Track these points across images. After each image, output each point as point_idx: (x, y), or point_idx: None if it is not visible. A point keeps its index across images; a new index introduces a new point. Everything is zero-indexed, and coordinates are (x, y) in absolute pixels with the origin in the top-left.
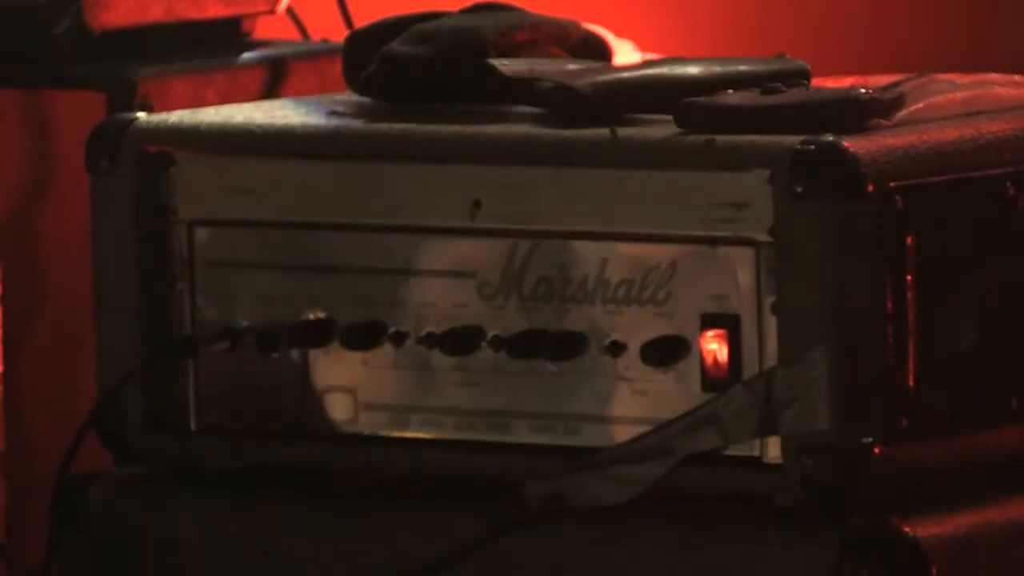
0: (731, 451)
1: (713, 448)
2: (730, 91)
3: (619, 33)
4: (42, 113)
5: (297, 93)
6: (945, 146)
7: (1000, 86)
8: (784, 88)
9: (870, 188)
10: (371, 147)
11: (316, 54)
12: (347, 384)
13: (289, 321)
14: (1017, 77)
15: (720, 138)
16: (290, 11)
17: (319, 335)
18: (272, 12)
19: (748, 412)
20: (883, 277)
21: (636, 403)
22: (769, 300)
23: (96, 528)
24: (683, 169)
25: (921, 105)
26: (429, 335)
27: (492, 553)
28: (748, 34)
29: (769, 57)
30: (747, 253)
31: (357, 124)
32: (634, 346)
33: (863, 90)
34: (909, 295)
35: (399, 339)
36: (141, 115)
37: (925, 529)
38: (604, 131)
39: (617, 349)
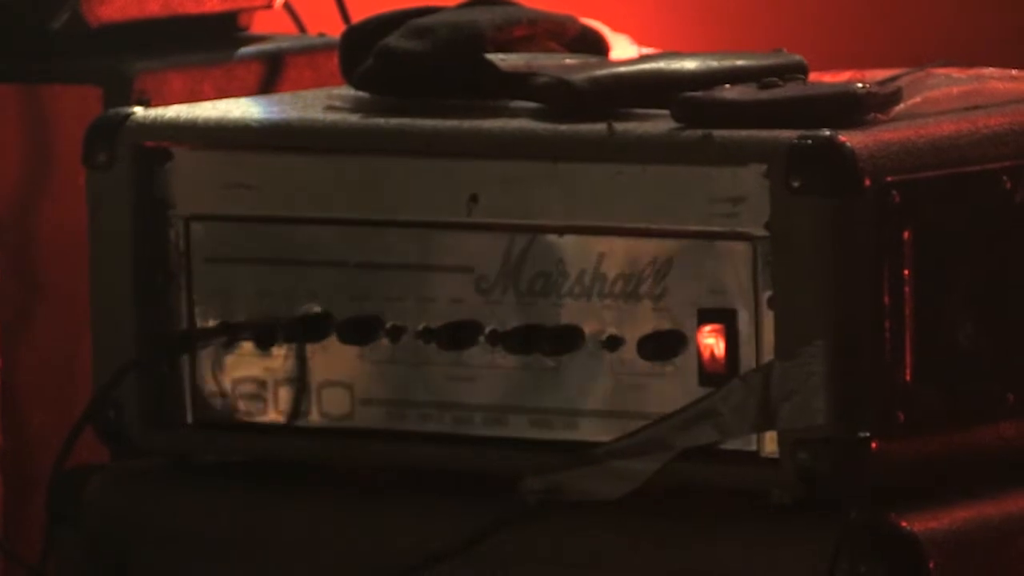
0: (728, 445)
1: (710, 442)
2: (727, 86)
3: (616, 28)
4: (39, 108)
5: (294, 88)
6: (942, 140)
7: (997, 80)
8: (781, 83)
9: (867, 183)
10: (368, 142)
11: (313, 49)
12: (344, 379)
13: (286, 316)
14: (1014, 71)
15: (717, 133)
16: (287, 6)
17: (316, 330)
18: (269, 7)
19: (745, 407)
20: (880, 272)
21: (633, 398)
22: (766, 295)
23: (93, 522)
24: (680, 164)
25: (918, 99)
26: (426, 329)
27: (489, 547)
28: (745, 29)
29: (766, 52)
30: (744, 248)
31: (354, 119)
32: (631, 341)
33: (860, 85)
34: (906, 290)
35: (396, 334)
36: (138, 110)
37: (922, 523)
38: (601, 126)
39: (614, 344)
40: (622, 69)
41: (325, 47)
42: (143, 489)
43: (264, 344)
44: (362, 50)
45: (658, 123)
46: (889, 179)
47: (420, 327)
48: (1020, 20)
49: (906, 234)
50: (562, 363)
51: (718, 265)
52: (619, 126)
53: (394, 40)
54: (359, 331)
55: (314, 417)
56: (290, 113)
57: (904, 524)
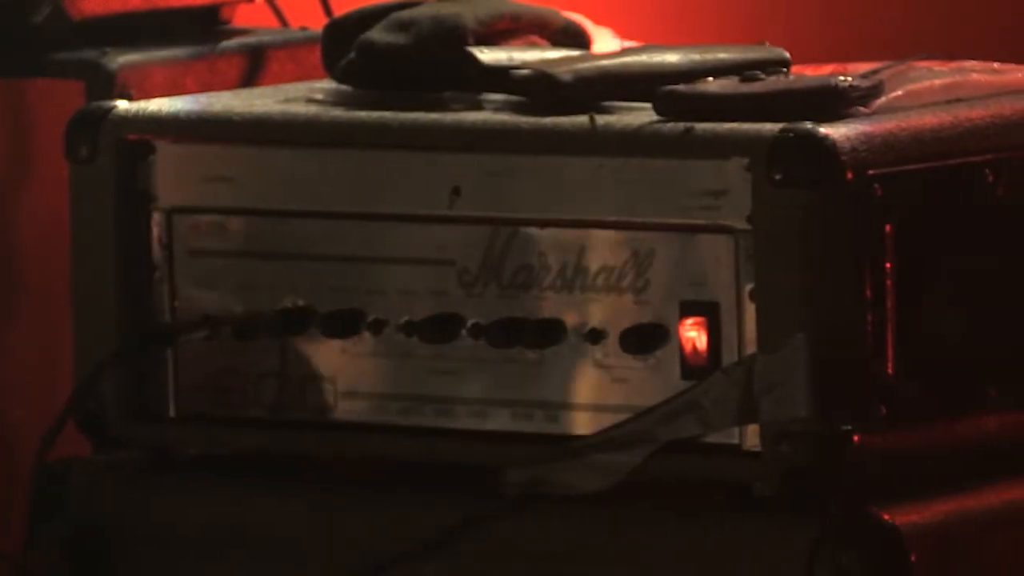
0: (710, 439)
1: (692, 436)
2: (709, 79)
3: (598, 21)
4: (21, 102)
5: (276, 81)
6: (924, 133)
7: (979, 74)
8: (763, 76)
9: (849, 176)
10: (350, 135)
11: (295, 42)
12: (326, 372)
13: (268, 309)
14: (996, 64)
15: (699, 126)
16: (269, 0)
17: (298, 323)
18: (251, 1)
19: (727, 399)
20: (862, 265)
21: (615, 391)
22: (748, 287)
23: (75, 515)
24: (662, 157)
25: (900, 92)
26: (408, 323)
27: (471, 540)
28: (728, 22)
29: (749, 45)
30: (726, 241)
31: (336, 112)
32: (613, 334)
33: (842, 78)
34: (888, 283)
35: (378, 327)
36: (120, 103)
37: (904, 517)
38: (583, 119)
39: (596, 337)
40: (604, 62)
41: (307, 41)
42: (125, 482)
43: (246, 337)
44: (344, 44)
45: (640, 116)
46: (871, 172)
47: (402, 320)
48: (1002, 13)
49: (888, 227)
50: (544, 356)
51: (700, 258)
52: (601, 119)
53: (376, 34)
54: (341, 324)
55: (296, 410)
56: (272, 107)
57: (886, 517)
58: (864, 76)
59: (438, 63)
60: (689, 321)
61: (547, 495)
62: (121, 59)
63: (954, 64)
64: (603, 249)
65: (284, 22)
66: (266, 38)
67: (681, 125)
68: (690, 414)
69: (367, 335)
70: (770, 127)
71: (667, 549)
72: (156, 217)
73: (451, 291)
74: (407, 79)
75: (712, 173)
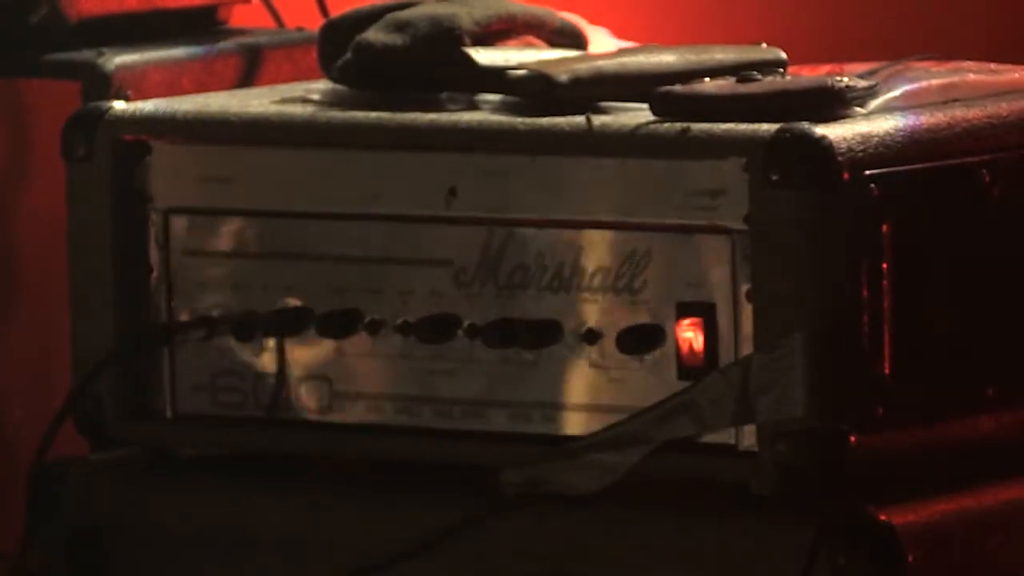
0: (707, 439)
1: (689, 436)
2: (706, 79)
3: (595, 21)
4: (18, 102)
5: (273, 82)
6: (921, 134)
7: (976, 74)
8: (760, 77)
9: (846, 176)
10: (346, 135)
11: (291, 43)
12: (323, 372)
13: (265, 309)
14: (993, 65)
15: (696, 126)
16: (265, 0)
17: (295, 323)
18: (247, 1)
19: (724, 400)
20: (859, 265)
21: (612, 391)
22: (745, 288)
23: (73, 514)
24: (659, 157)
25: (897, 93)
26: (405, 323)
27: (468, 540)
28: (724, 22)
29: (746, 45)
30: (723, 241)
31: (332, 112)
32: (610, 334)
33: (839, 78)
34: (885, 283)
35: (375, 327)
36: (117, 104)
37: (901, 516)
38: (580, 119)
39: (593, 337)
40: (601, 63)
41: (303, 41)
42: (123, 482)
43: (243, 337)
44: (340, 44)
45: (637, 117)
46: (868, 172)
47: (399, 321)
48: (999, 14)
49: (885, 227)
50: (541, 357)
51: (697, 258)
52: (597, 120)
53: (372, 34)
54: (338, 325)
55: (293, 410)
56: (269, 107)
57: (883, 517)
58: (861, 77)
59: (434, 64)
60: (686, 321)
61: (544, 495)
62: (118, 59)
63: (951, 65)
64: (600, 250)
65: (280, 23)
66: (263, 39)
67: (678, 125)
68: (687, 414)
69: (364, 335)
70: (767, 127)
71: (664, 549)
72: (153, 217)
73: (448, 291)
74: (403, 80)
75: (709, 173)
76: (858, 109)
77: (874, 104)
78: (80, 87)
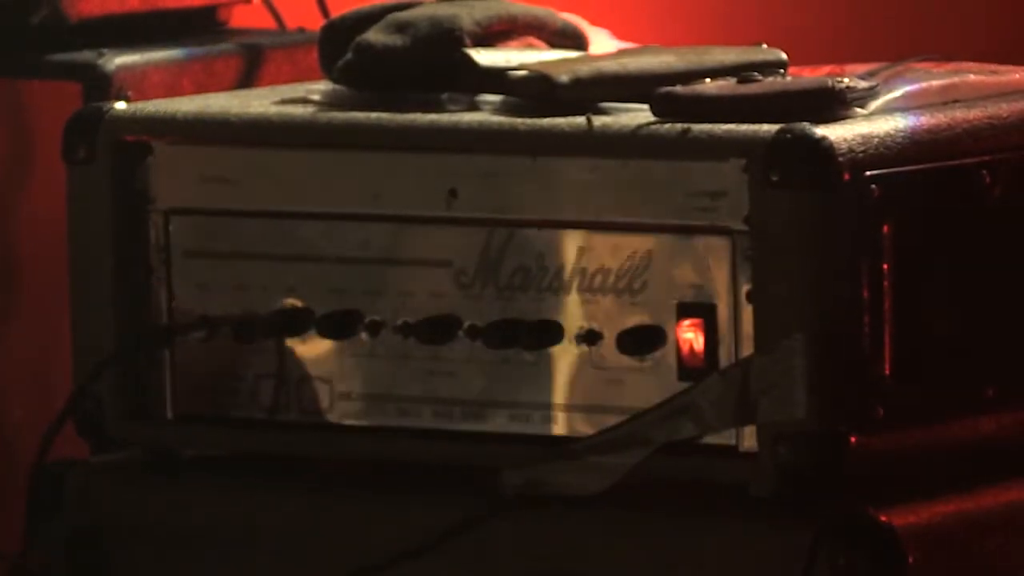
0: (707, 440)
1: (689, 437)
2: (707, 80)
3: (595, 22)
4: (18, 103)
5: (273, 82)
6: (921, 135)
7: (977, 75)
8: (761, 77)
9: (846, 177)
10: (347, 136)
11: (292, 43)
12: (323, 373)
13: (265, 310)
14: (993, 65)
15: (696, 127)
16: (266, 1)
17: (296, 324)
18: (248, 1)
19: (724, 401)
20: (859, 266)
21: (612, 392)
22: (745, 289)
23: (73, 515)
24: (659, 158)
25: (897, 94)
26: (405, 324)
27: (469, 541)
28: (725, 23)
29: (746, 46)
30: (723, 242)
31: (333, 113)
32: (610, 335)
33: (840, 79)
34: (885, 284)
35: (375, 328)
36: (118, 104)
37: (901, 518)
38: (580, 120)
39: (593, 338)
40: (601, 64)
41: (304, 42)
42: (123, 483)
43: (244, 338)
44: (341, 45)
45: (637, 117)
46: (868, 173)
47: (399, 322)
48: (1000, 15)
49: (885, 228)
50: (541, 358)
51: (697, 259)
52: (598, 120)
53: (373, 35)
54: (338, 325)
55: (293, 411)
56: (269, 108)
57: (883, 518)
58: (861, 77)
59: (435, 64)
60: (686, 322)
61: (545, 496)
62: (118, 60)
63: (951, 66)
64: (600, 250)
65: (281, 23)
66: (263, 39)
67: (678, 126)
68: (687, 415)
69: (364, 336)
70: (767, 128)
71: (664, 550)
72: (153, 218)
73: (448, 292)
74: (404, 80)
75: (709, 174)
76: (859, 110)
77: (875, 105)
78: (81, 88)
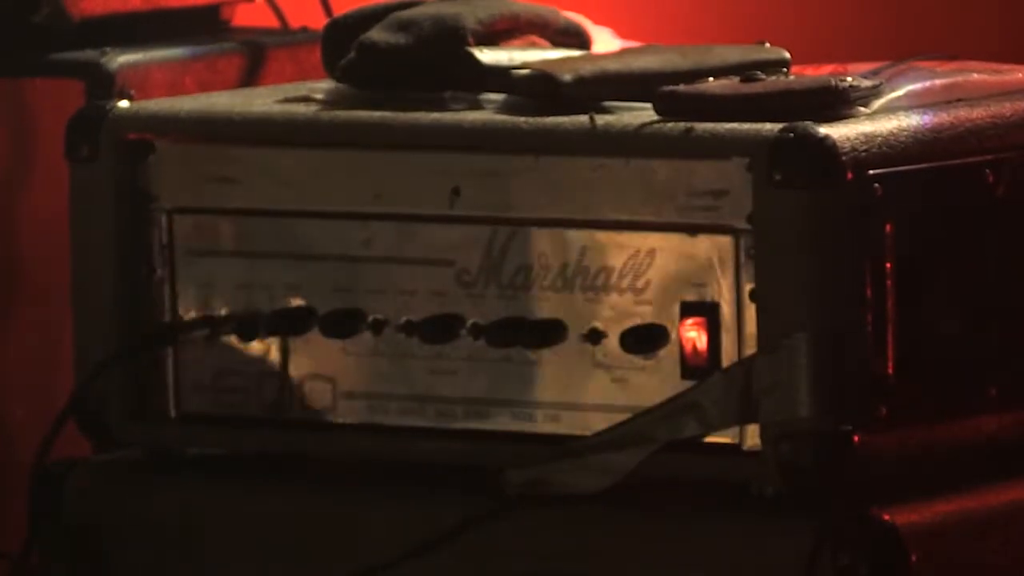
0: (710, 438)
1: (692, 436)
2: (710, 79)
3: (598, 21)
4: (21, 101)
5: (276, 81)
6: (924, 134)
7: (980, 74)
8: (764, 76)
9: (849, 176)
10: (350, 135)
11: (295, 42)
12: (326, 372)
13: (268, 309)
14: (996, 65)
15: (699, 126)
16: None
17: (298, 323)
18: (251, 0)
19: (727, 400)
20: (862, 265)
21: (615, 391)
22: (748, 288)
23: (75, 515)
24: (662, 157)
25: (900, 93)
26: (408, 323)
27: (471, 540)
28: (728, 22)
29: (749, 45)
30: (726, 241)
31: (336, 112)
32: (613, 334)
33: (843, 78)
34: (888, 283)
35: (378, 327)
36: (121, 103)
37: (904, 516)
38: (583, 119)
39: (596, 337)
40: (604, 63)
41: (307, 41)
42: (125, 482)
43: (246, 337)
44: (344, 44)
45: (640, 116)
46: (871, 172)
47: (402, 320)
48: (1004, 14)
49: (888, 227)
50: (544, 356)
51: (700, 258)
52: (601, 119)
53: (376, 34)
54: (341, 324)
55: (296, 410)
56: (272, 107)
57: (886, 517)
58: (864, 76)
59: (438, 63)
60: (689, 321)
61: (547, 495)
62: (121, 59)
63: (955, 64)
64: (603, 249)
65: (284, 22)
66: (266, 38)
67: (681, 125)
68: (690, 414)
69: (367, 335)
70: (770, 127)
71: (667, 549)
72: (156, 217)
73: (451, 291)
74: (407, 79)
75: (712, 173)
76: (862, 109)
77: (878, 104)
78: (83, 86)
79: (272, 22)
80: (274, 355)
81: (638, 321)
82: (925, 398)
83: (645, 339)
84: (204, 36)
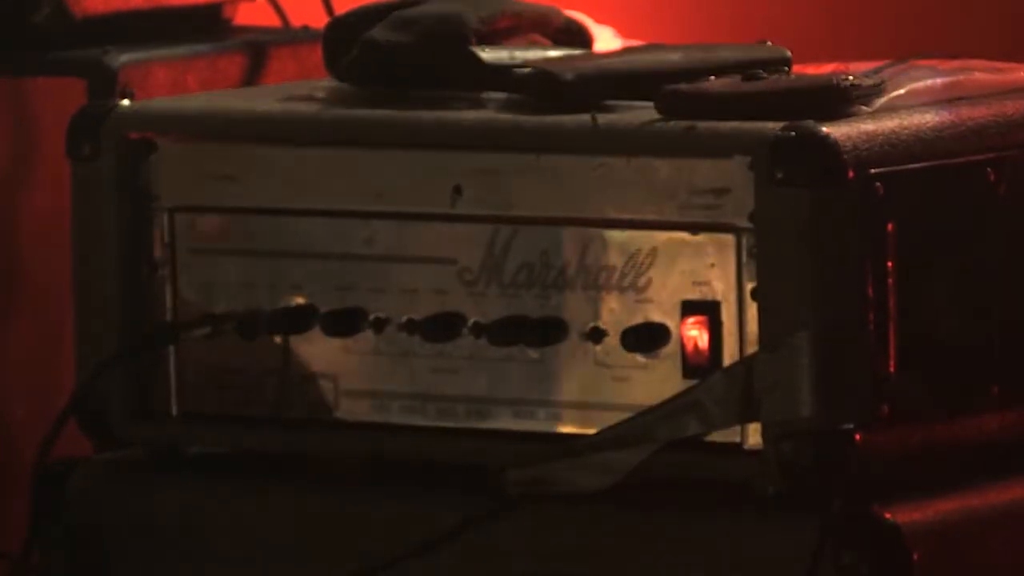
0: (711, 437)
1: (694, 435)
2: (711, 78)
3: (600, 20)
4: (23, 100)
5: (277, 80)
6: (926, 132)
7: (981, 72)
8: (765, 75)
9: (850, 174)
10: (351, 133)
11: (297, 41)
12: (328, 370)
13: (270, 307)
14: (998, 63)
15: (701, 125)
16: None
17: (300, 321)
18: None
19: (729, 398)
20: (864, 263)
21: (617, 390)
22: (750, 286)
23: (76, 514)
24: (664, 156)
25: (902, 91)
26: (410, 321)
27: (472, 539)
28: (729, 21)
29: (750, 44)
30: (728, 239)
31: (337, 111)
32: (615, 333)
33: (844, 77)
34: (890, 281)
35: (380, 325)
36: (122, 102)
37: (906, 515)
38: (585, 118)
39: (598, 336)
40: (606, 61)
41: (309, 39)
42: (127, 481)
43: (248, 336)
44: (346, 42)
45: (642, 115)
46: (873, 171)
47: (404, 319)
48: (1005, 11)
49: (890, 226)
50: (546, 355)
51: (702, 257)
52: (603, 118)
53: (378, 32)
54: (343, 323)
55: (298, 409)
56: (274, 105)
57: (888, 516)
58: (866, 75)
59: (440, 62)
60: (691, 320)
61: (548, 494)
62: (123, 57)
63: (956, 63)
64: (605, 248)
65: (286, 20)
66: (268, 37)
67: (683, 124)
68: (692, 413)
69: (369, 334)
70: (772, 126)
71: (668, 548)
72: (158, 215)
73: (453, 290)
74: (409, 77)
75: (714, 172)
76: (863, 107)
77: (879, 102)
78: (85, 85)
79: (274, 21)
80: (275, 354)
81: (639, 320)
82: (927, 397)
83: (646, 338)
84: (206, 35)
